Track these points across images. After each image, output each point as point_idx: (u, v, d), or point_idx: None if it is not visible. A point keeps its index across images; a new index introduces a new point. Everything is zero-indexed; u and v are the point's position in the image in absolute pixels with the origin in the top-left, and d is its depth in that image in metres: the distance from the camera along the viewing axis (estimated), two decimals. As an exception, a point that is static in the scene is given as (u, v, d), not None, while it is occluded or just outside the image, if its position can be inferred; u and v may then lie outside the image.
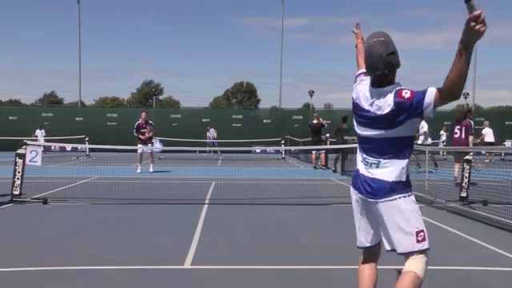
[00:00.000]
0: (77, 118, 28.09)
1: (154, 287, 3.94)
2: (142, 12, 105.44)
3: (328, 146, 15.72)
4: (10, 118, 27.63)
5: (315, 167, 15.99)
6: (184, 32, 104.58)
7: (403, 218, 2.66)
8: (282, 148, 22.34)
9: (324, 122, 16.43)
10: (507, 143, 21.67)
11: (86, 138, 21.87)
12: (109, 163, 15.78)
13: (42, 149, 8.66)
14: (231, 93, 76.61)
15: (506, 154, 20.02)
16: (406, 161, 2.72)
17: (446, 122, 21.55)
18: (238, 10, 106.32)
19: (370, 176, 2.76)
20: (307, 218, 6.94)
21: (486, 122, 19.86)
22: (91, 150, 21.95)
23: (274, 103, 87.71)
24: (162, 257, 4.81)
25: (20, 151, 8.11)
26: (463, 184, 8.31)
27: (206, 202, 8.47)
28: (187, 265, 4.53)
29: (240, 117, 28.98)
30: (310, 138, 16.47)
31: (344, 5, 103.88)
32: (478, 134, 21.02)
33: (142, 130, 13.77)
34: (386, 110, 2.62)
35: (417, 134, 15.46)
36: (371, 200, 2.76)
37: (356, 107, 2.85)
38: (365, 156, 2.82)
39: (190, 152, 22.29)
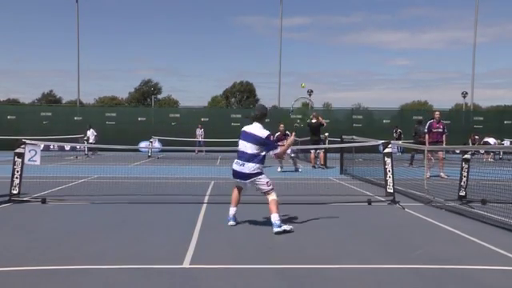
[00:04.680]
0: (75, 118, 28.07)
1: (152, 286, 3.95)
2: (140, 11, 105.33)
3: (327, 146, 15.70)
4: (9, 117, 27.62)
5: (314, 166, 16.00)
6: (183, 31, 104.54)
7: None
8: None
9: (323, 121, 16.44)
10: (506, 142, 21.67)
11: (85, 138, 21.87)
12: (107, 163, 15.77)
13: (41, 147, 8.64)
14: (230, 92, 76.51)
15: (504, 153, 20.05)
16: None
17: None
18: (237, 8, 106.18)
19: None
20: (306, 218, 6.93)
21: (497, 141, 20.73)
22: (90, 149, 21.96)
23: (273, 102, 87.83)
24: (160, 256, 4.81)
25: (19, 150, 8.09)
26: (462, 183, 8.32)
27: (205, 201, 8.47)
28: (186, 264, 4.53)
29: (239, 116, 28.90)
30: (308, 138, 16.45)
31: (344, 4, 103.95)
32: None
33: (281, 143, 14.24)
34: None
35: None
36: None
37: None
38: None
39: (188, 151, 22.24)
